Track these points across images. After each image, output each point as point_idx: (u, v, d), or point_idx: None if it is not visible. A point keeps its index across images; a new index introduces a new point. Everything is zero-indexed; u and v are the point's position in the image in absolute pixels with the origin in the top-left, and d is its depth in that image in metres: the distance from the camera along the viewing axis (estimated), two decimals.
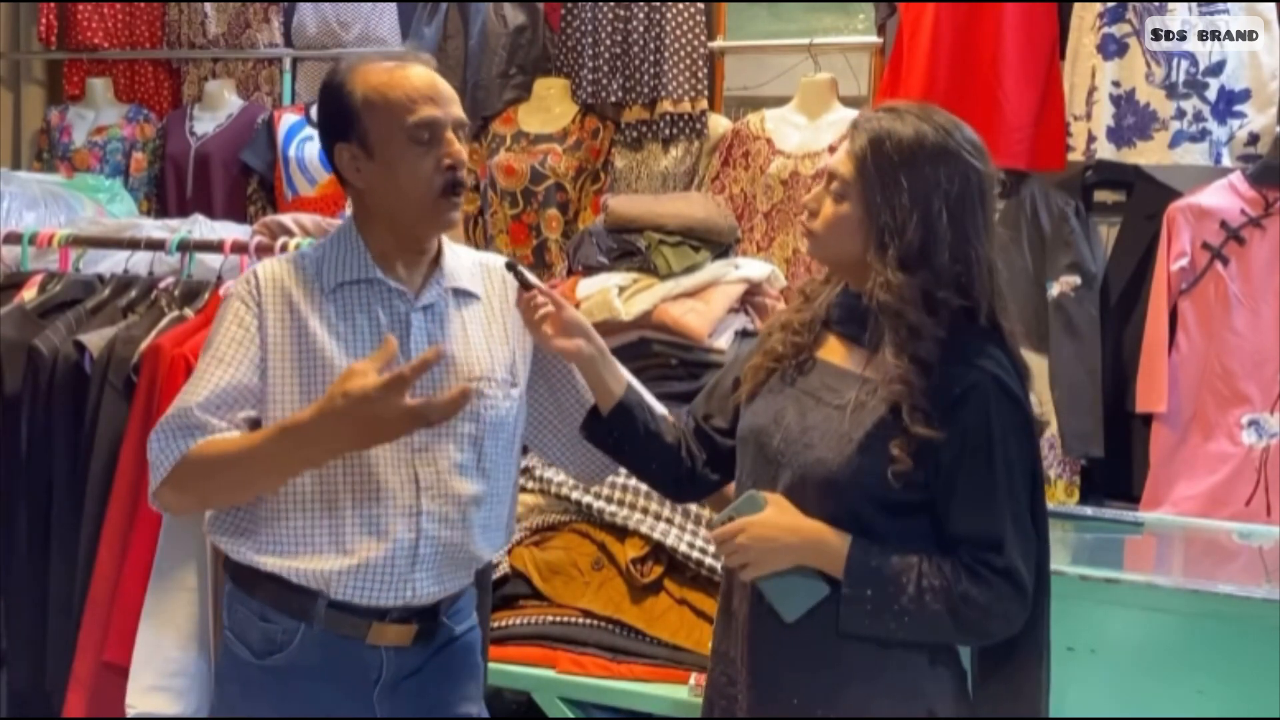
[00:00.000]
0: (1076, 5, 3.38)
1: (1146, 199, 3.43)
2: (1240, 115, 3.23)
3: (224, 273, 2.67)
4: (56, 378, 2.51)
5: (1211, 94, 3.23)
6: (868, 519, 1.65)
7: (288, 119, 4.29)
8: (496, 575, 2.56)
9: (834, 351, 1.76)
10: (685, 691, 2.41)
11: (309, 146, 4.20)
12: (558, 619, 2.55)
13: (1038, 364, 3.31)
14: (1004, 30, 3.38)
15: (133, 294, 2.66)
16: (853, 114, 3.60)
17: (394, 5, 4.31)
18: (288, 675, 1.79)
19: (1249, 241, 3.18)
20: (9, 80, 5.00)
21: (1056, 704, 1.77)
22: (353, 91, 1.78)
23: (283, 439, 1.68)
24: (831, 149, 3.53)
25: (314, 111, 4.28)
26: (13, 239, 2.84)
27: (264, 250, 2.56)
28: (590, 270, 2.90)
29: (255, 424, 1.76)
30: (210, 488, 1.77)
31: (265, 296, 1.79)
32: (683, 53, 3.78)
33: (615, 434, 1.85)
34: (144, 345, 2.45)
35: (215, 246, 2.67)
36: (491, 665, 2.31)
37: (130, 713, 2.31)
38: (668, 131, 3.78)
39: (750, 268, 2.92)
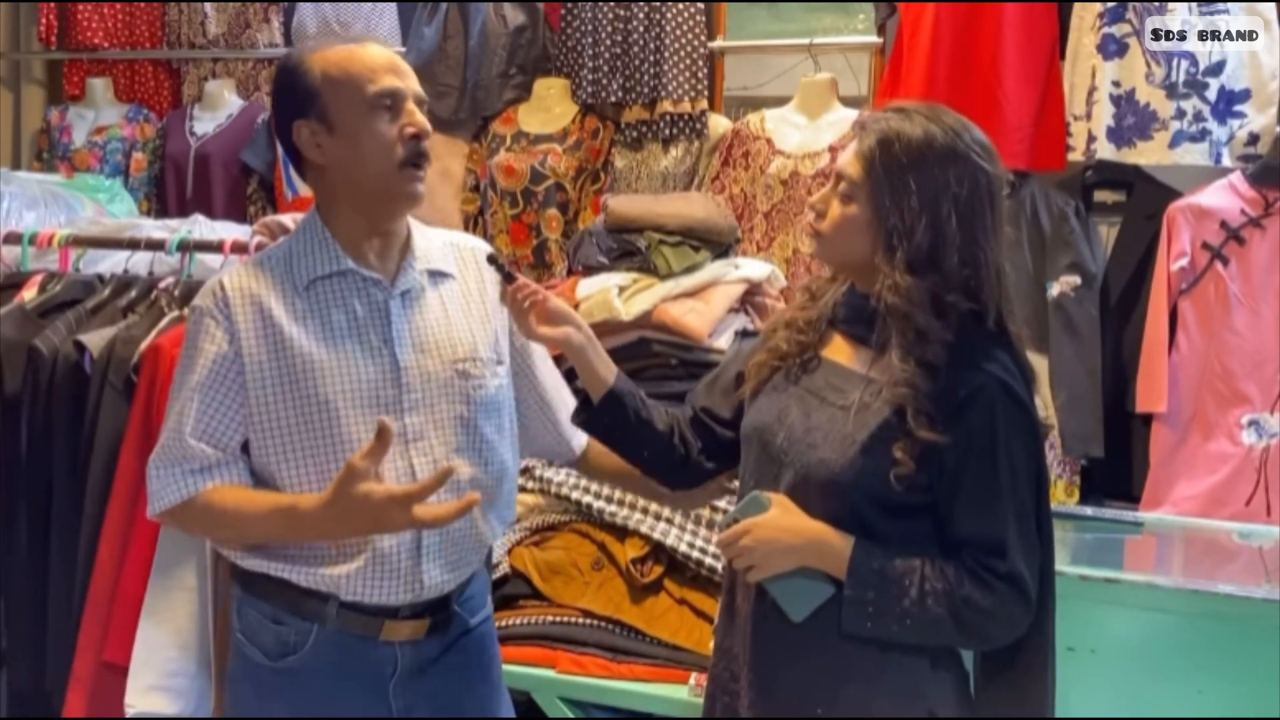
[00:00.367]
0: (1076, 5, 3.37)
1: (1146, 199, 3.43)
2: (1240, 115, 3.23)
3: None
4: (56, 378, 2.51)
5: (1211, 94, 3.23)
6: (870, 520, 1.65)
7: None
8: (496, 575, 2.56)
9: (839, 351, 1.76)
10: (685, 691, 2.41)
11: None
12: (558, 619, 2.55)
13: (1038, 364, 3.28)
14: (1004, 30, 3.38)
15: (133, 294, 2.66)
16: (853, 114, 3.61)
17: (394, 5, 4.31)
18: (302, 676, 1.79)
19: (1249, 241, 3.18)
20: (9, 80, 4.99)
21: (1056, 704, 1.77)
22: (311, 69, 1.77)
23: (288, 517, 1.71)
24: (831, 149, 3.52)
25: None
26: (13, 239, 2.84)
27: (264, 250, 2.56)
28: (590, 270, 2.89)
29: (245, 444, 1.78)
30: (211, 533, 1.85)
31: (235, 309, 1.76)
32: (683, 53, 3.78)
33: (607, 421, 1.85)
34: (144, 345, 2.45)
35: (215, 246, 2.67)
36: None
37: (129, 712, 2.31)
38: (668, 131, 3.78)
39: (750, 268, 2.92)
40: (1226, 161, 3.24)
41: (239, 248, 2.61)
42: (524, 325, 1.82)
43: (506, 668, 2.48)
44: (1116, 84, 3.30)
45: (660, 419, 1.87)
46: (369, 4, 4.33)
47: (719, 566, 2.44)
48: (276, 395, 1.75)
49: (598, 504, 2.58)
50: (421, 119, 1.79)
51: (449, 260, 1.90)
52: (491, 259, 1.85)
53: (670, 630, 2.49)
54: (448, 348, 1.83)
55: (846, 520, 1.65)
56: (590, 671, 2.48)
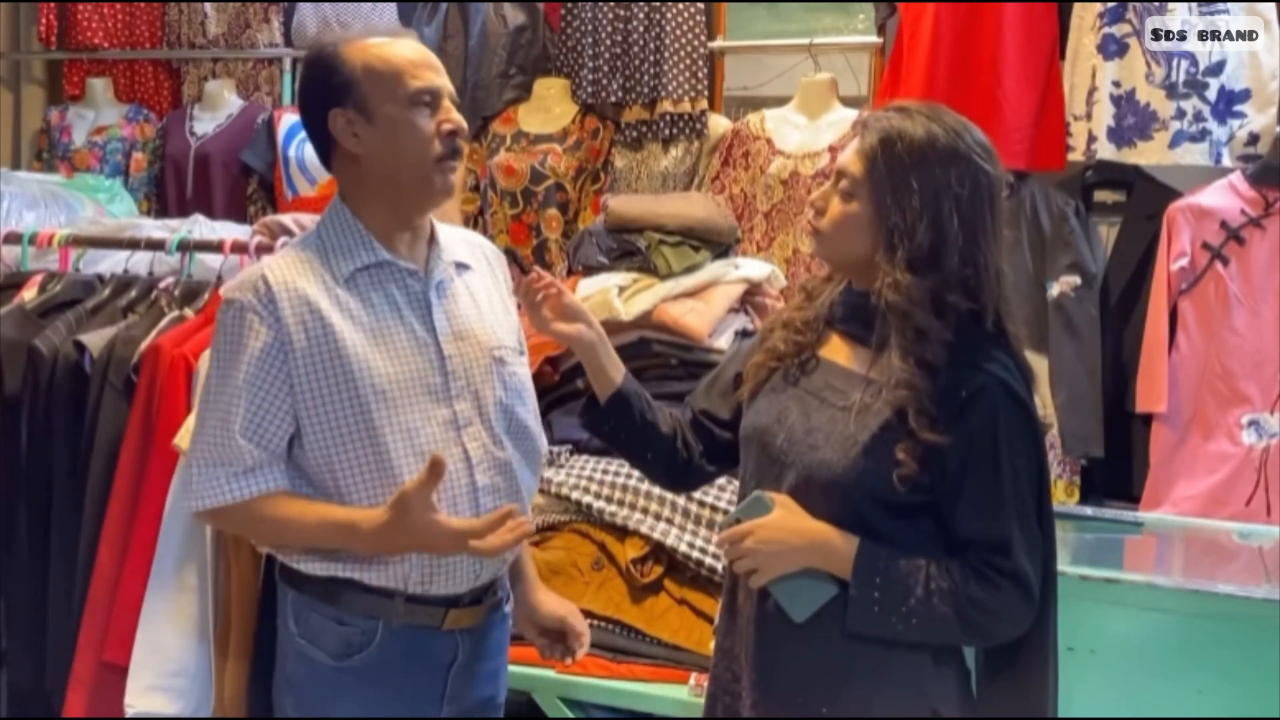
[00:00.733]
0: (1076, 5, 3.37)
1: (1146, 199, 3.43)
2: (1240, 115, 3.23)
3: (224, 273, 2.67)
4: (56, 378, 2.51)
5: (1211, 94, 3.23)
6: (872, 520, 1.65)
7: (288, 119, 4.28)
8: None
9: (837, 351, 1.76)
10: (685, 691, 2.41)
11: (309, 147, 4.12)
12: None
13: (1038, 364, 3.29)
14: (1004, 30, 3.38)
15: (133, 294, 2.66)
16: (853, 114, 3.61)
17: (394, 5, 4.31)
18: (367, 673, 1.82)
19: (1249, 241, 3.17)
20: (9, 80, 4.99)
21: (1057, 704, 1.77)
22: (350, 59, 1.79)
23: (344, 533, 1.74)
24: (831, 149, 3.52)
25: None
26: (13, 239, 2.84)
27: (264, 250, 2.56)
28: (590, 270, 2.90)
29: (290, 441, 1.79)
30: (259, 537, 1.88)
31: (280, 302, 1.76)
32: (683, 53, 3.78)
33: (612, 422, 1.85)
34: (144, 345, 2.45)
35: (215, 246, 2.67)
36: None
37: (129, 712, 2.31)
38: (668, 131, 3.78)
39: (750, 268, 2.92)
40: (1226, 161, 3.24)
41: (239, 248, 2.60)
42: (537, 319, 1.83)
43: (507, 667, 2.49)
44: (1116, 84, 3.30)
45: (665, 422, 1.88)
46: (369, 4, 4.33)
47: (719, 566, 2.44)
48: (329, 388, 1.76)
49: (598, 504, 2.58)
50: (458, 116, 1.83)
51: (468, 253, 1.95)
52: (510, 252, 1.90)
53: (670, 630, 2.49)
54: (483, 335, 1.87)
55: (849, 521, 1.65)
56: (590, 671, 2.48)
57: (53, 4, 4.75)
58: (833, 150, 3.51)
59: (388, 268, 1.82)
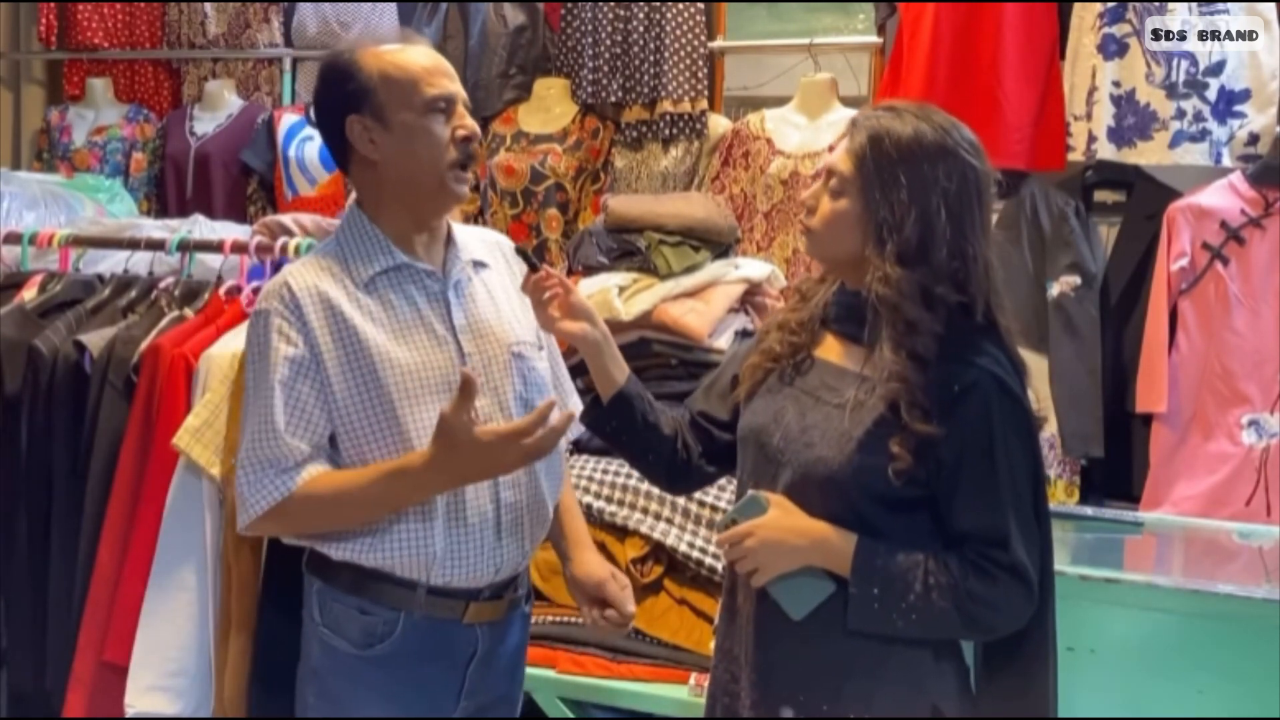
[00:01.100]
0: (1076, 5, 3.38)
1: (1146, 199, 3.43)
2: (1240, 115, 3.23)
3: (224, 273, 2.67)
4: (56, 378, 2.51)
5: (1211, 94, 3.23)
6: (870, 516, 1.65)
7: (288, 119, 4.29)
8: None
9: (832, 350, 1.77)
10: (685, 691, 2.41)
11: (309, 146, 4.20)
12: (557, 619, 2.55)
13: (1038, 364, 3.31)
14: (1004, 30, 3.38)
15: (133, 294, 2.66)
16: (853, 114, 3.60)
17: (394, 5, 4.31)
18: (388, 663, 1.85)
19: (1249, 241, 3.18)
20: (9, 80, 5.00)
21: (1057, 704, 1.77)
22: (366, 66, 1.83)
23: (399, 479, 1.75)
24: (832, 149, 3.51)
25: (314, 111, 4.28)
26: (13, 239, 2.84)
27: (264, 250, 2.56)
28: (590, 270, 2.90)
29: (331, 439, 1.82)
30: (317, 523, 1.84)
31: (305, 309, 1.80)
32: (683, 53, 3.78)
33: (615, 423, 1.86)
34: (144, 345, 2.45)
35: (215, 246, 2.67)
36: None
37: (129, 712, 2.31)
38: (668, 131, 3.78)
39: (750, 268, 2.92)
40: (1226, 161, 3.24)
41: (239, 248, 2.60)
42: (542, 316, 1.85)
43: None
44: (1117, 84, 3.30)
45: (666, 423, 1.88)
46: (369, 4, 4.33)
47: (719, 566, 2.44)
48: (357, 387, 1.80)
49: (598, 504, 2.58)
50: (472, 122, 1.86)
51: (484, 252, 1.98)
52: (520, 250, 1.91)
53: (670, 630, 2.49)
54: (502, 332, 1.90)
55: (846, 518, 1.65)
56: (590, 671, 2.48)
57: (53, 4, 4.76)
58: (833, 150, 3.50)
59: (406, 270, 1.86)
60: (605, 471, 2.62)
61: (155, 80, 4.79)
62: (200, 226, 2.98)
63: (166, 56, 4.74)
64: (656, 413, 1.88)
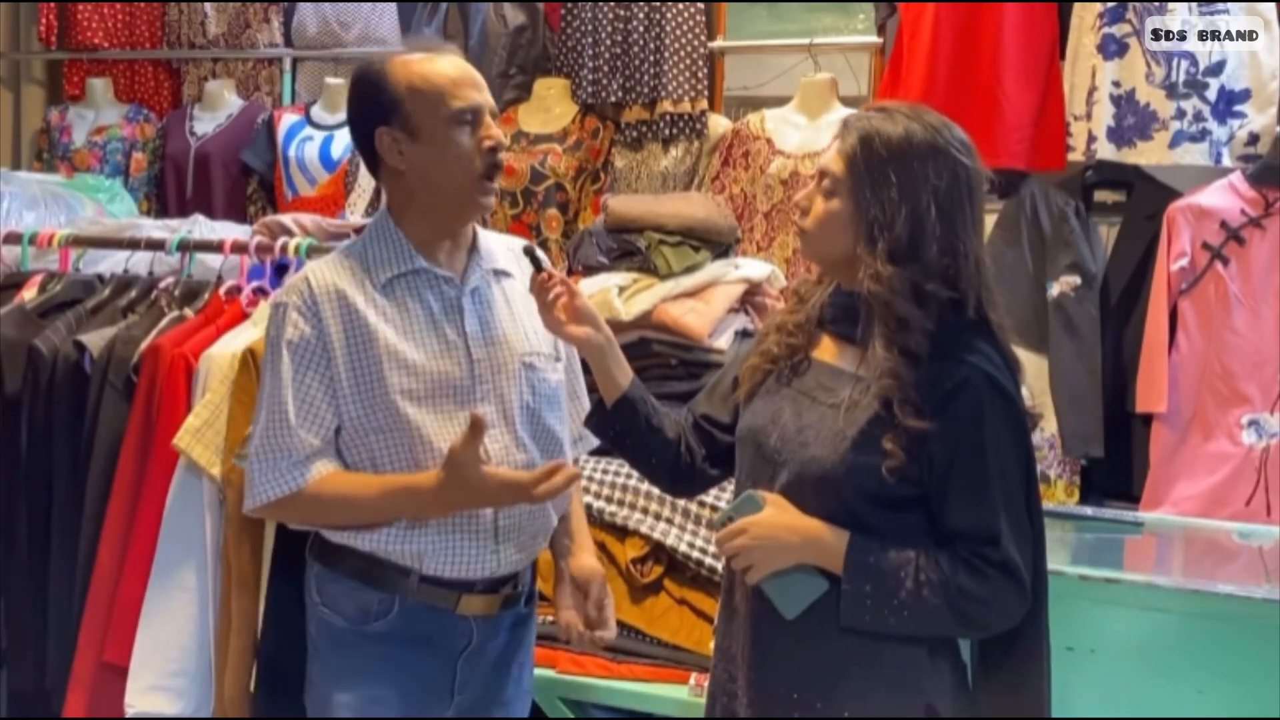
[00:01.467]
0: (1076, 5, 3.37)
1: (1146, 199, 3.43)
2: (1240, 115, 3.23)
3: (224, 273, 2.67)
4: (56, 378, 2.52)
5: (1211, 94, 3.23)
6: (864, 514, 1.66)
7: (288, 119, 4.29)
8: None
9: (828, 351, 1.78)
10: (685, 691, 2.41)
11: (309, 146, 4.20)
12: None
13: (1038, 364, 3.31)
14: (1004, 30, 3.38)
15: (133, 294, 2.67)
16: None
17: (394, 5, 4.31)
18: (386, 639, 1.88)
19: (1249, 241, 3.17)
20: (9, 80, 5.00)
21: (1056, 704, 1.77)
22: (395, 78, 1.85)
23: (405, 496, 1.81)
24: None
25: (314, 112, 4.29)
26: (13, 239, 2.85)
27: (264, 250, 2.56)
28: (590, 270, 2.90)
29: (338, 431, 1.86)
30: (318, 519, 1.90)
31: (321, 304, 1.85)
32: (683, 53, 3.78)
33: (618, 426, 1.87)
34: (144, 345, 2.46)
35: (215, 246, 2.67)
36: None
37: (129, 712, 2.31)
38: (668, 131, 3.78)
39: (750, 268, 2.92)
40: (1226, 161, 3.24)
41: (239, 248, 2.61)
42: (547, 318, 1.86)
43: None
44: (1116, 84, 3.30)
45: (670, 427, 1.89)
46: (369, 4, 4.33)
47: (719, 566, 2.44)
48: (364, 384, 1.84)
49: (598, 504, 2.58)
50: (498, 132, 1.89)
51: (508, 261, 2.00)
52: (528, 250, 1.92)
53: (670, 630, 2.49)
54: (515, 341, 1.93)
55: (840, 516, 1.66)
56: (590, 671, 2.48)
57: (53, 4, 4.75)
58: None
59: (424, 275, 1.89)
60: (605, 471, 2.62)
61: (155, 80, 4.79)
62: (200, 226, 2.99)
63: (166, 56, 4.74)
64: (659, 416, 1.89)
